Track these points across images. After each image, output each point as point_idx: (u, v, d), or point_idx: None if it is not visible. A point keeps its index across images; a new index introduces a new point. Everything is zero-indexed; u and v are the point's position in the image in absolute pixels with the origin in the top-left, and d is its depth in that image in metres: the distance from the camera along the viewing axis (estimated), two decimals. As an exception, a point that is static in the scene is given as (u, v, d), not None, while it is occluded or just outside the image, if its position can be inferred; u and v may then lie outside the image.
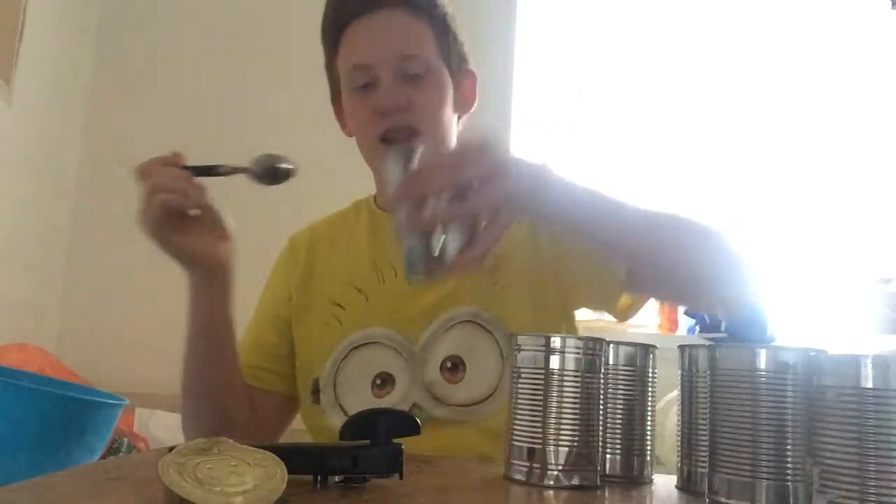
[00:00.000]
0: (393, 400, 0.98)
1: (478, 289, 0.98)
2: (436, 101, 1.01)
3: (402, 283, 1.00)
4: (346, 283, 1.05)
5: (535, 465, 0.67)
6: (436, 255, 0.72)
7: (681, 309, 2.27)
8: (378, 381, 0.99)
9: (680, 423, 0.71)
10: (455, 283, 0.98)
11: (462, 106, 1.07)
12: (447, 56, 1.03)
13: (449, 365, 0.97)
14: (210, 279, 0.95)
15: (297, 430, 1.11)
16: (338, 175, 2.39)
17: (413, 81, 0.98)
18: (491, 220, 0.74)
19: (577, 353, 0.68)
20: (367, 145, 1.02)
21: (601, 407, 0.69)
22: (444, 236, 0.72)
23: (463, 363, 0.96)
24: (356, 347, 1.01)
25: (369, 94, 0.99)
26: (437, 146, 1.00)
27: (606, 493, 0.67)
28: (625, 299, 0.97)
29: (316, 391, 1.03)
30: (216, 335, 0.98)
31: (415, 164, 0.75)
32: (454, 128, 1.05)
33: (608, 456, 0.72)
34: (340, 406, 1.00)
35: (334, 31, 1.03)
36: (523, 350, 0.69)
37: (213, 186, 0.91)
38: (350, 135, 1.06)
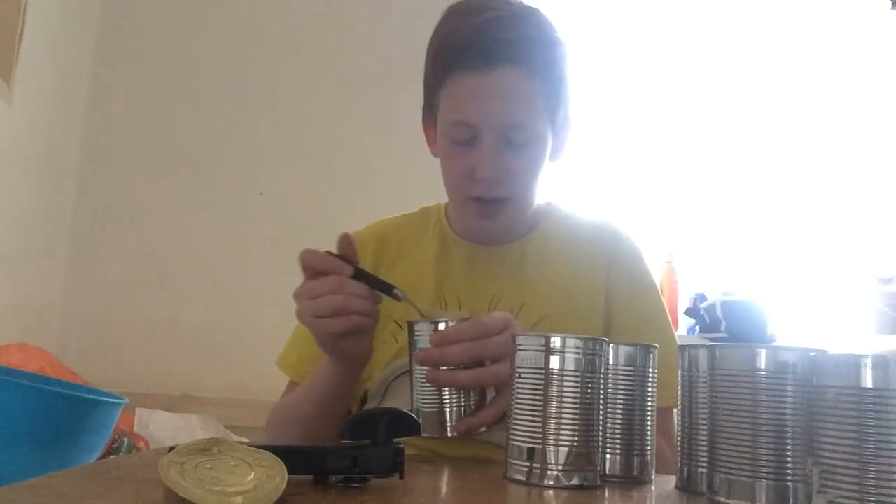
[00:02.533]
0: None
1: None
2: (534, 169, 1.01)
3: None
4: (408, 303, 1.05)
5: (535, 465, 0.67)
6: (447, 416, 0.82)
7: (681, 309, 2.27)
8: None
9: (680, 423, 0.71)
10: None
11: (557, 153, 1.05)
12: (554, 115, 1.01)
13: None
14: (351, 370, 0.95)
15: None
16: (340, 176, 2.39)
17: (515, 148, 0.97)
18: (498, 393, 0.83)
19: (578, 354, 0.68)
20: (456, 199, 1.04)
21: (601, 407, 0.69)
22: (454, 400, 0.82)
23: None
24: (406, 373, 0.98)
25: (468, 152, 0.97)
26: (520, 210, 1.04)
27: (606, 493, 0.67)
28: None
29: (364, 401, 1.04)
30: (337, 410, 0.99)
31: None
32: (544, 177, 1.04)
33: (608, 456, 0.72)
34: None
35: (442, 69, 0.98)
36: (523, 350, 0.69)
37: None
38: (436, 155, 1.05)
